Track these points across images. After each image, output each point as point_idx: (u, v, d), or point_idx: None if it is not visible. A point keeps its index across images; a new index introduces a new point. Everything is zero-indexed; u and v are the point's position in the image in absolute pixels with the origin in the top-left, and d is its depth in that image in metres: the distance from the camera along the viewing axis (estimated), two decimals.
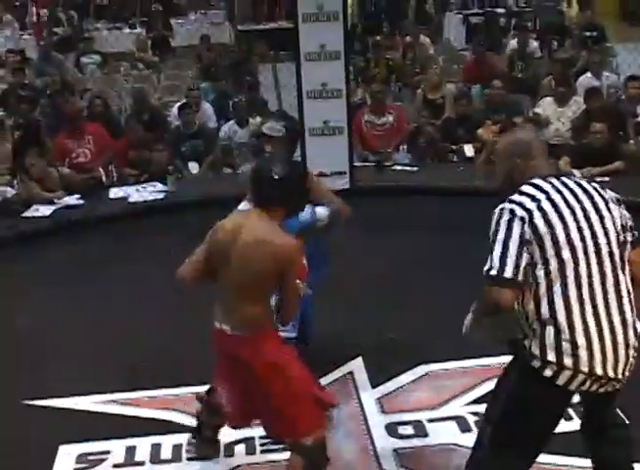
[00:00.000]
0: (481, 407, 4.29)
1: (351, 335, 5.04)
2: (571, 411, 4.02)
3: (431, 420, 4.23)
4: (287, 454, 3.82)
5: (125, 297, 5.85)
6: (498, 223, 3.01)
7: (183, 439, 4.14)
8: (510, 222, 2.97)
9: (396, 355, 4.82)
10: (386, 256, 5.59)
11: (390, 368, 4.69)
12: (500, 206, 3.02)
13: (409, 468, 3.88)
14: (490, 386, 4.44)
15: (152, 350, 4.99)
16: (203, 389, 3.98)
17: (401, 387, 4.57)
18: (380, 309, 5.37)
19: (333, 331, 4.99)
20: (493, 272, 2.99)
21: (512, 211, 2.99)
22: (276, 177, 3.37)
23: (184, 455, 4.07)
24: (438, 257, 6.23)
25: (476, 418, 4.17)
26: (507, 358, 4.59)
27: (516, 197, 3.01)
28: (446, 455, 3.95)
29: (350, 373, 4.68)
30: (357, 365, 4.72)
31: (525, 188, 3.03)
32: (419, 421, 4.22)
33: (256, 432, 4.09)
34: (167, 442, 4.19)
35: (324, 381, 4.55)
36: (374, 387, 4.56)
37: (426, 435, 4.12)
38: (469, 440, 3.98)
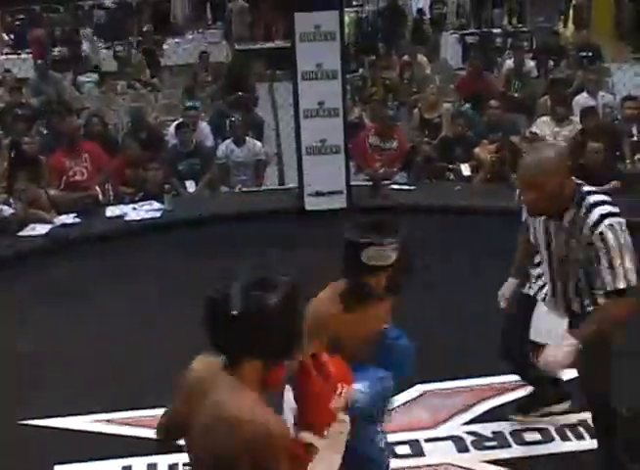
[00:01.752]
0: (478, 427, 4.37)
1: None
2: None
3: (427, 440, 4.21)
4: None
5: (124, 315, 5.83)
6: (615, 237, 3.25)
7: (179, 458, 4.11)
8: (623, 232, 3.28)
9: None
10: None
11: None
12: (607, 222, 3.25)
13: None
14: (488, 405, 4.52)
15: (151, 368, 4.98)
16: None
17: (398, 406, 4.49)
18: None
19: None
20: (622, 285, 3.26)
21: (620, 223, 3.28)
22: (234, 313, 2.17)
23: None
24: (436, 276, 6.22)
25: (472, 438, 4.18)
26: (505, 378, 4.65)
27: (608, 208, 3.30)
28: None
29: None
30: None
31: (599, 197, 3.36)
32: (416, 440, 4.20)
33: None
34: (163, 461, 4.18)
35: None
36: None
37: (422, 454, 4.10)
38: (465, 460, 4.04)
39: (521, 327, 4.15)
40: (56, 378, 5.00)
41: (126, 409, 4.55)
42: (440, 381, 4.69)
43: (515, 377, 4.61)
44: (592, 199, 3.33)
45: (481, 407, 4.44)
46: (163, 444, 2.61)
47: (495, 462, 4.02)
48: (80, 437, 4.37)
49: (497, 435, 4.20)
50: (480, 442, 4.17)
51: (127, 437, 4.37)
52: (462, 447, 4.12)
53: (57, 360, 5.25)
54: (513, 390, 4.55)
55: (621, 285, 3.23)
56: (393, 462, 4.07)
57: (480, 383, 4.67)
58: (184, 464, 4.10)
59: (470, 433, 4.24)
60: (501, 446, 4.11)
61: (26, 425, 4.49)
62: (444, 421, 4.37)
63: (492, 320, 5.40)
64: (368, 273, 2.90)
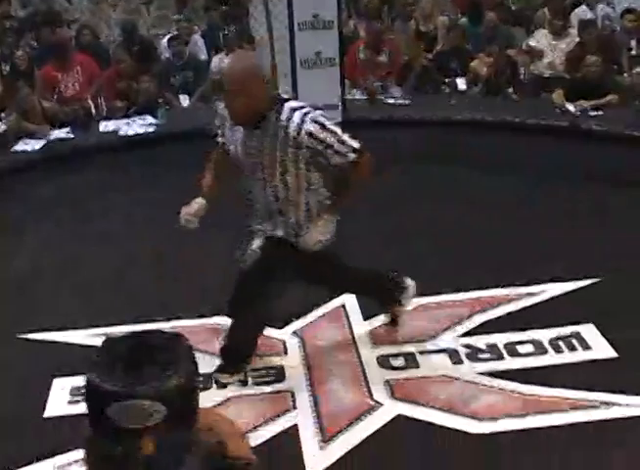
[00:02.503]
0: (472, 339, 4.42)
1: None
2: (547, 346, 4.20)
3: (422, 352, 4.26)
4: (279, 385, 4.00)
5: (119, 228, 5.85)
6: (325, 124, 3.52)
7: None
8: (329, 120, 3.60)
9: None
10: (379, 187, 5.57)
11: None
12: (310, 118, 3.50)
13: (400, 399, 3.92)
14: (482, 318, 4.56)
15: (148, 282, 5.03)
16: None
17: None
18: (373, 241, 5.40)
19: None
20: (357, 145, 3.59)
21: (324, 115, 3.61)
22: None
23: None
24: (432, 187, 6.23)
25: (467, 350, 4.23)
26: (500, 291, 4.70)
27: (308, 108, 3.57)
28: (437, 386, 4.00)
29: (343, 306, 4.70)
30: (349, 298, 4.74)
31: (298, 103, 3.64)
32: (410, 353, 4.26)
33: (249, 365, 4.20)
34: None
35: (316, 313, 4.64)
36: (366, 319, 4.58)
37: (417, 366, 4.15)
38: (459, 371, 4.09)
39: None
40: (54, 292, 5.04)
41: (124, 324, 4.58)
42: (434, 294, 4.72)
43: (509, 289, 4.71)
44: (291, 104, 3.56)
45: (475, 320, 4.48)
46: None
47: (489, 374, 4.07)
48: (79, 350, 4.39)
49: (491, 347, 4.24)
50: (474, 354, 4.21)
51: None
52: (456, 360, 4.17)
53: (54, 275, 5.29)
54: (507, 302, 4.61)
55: (355, 144, 3.58)
56: (389, 374, 4.19)
57: (473, 296, 4.72)
58: None
59: (464, 345, 4.28)
60: (495, 359, 4.16)
61: (25, 339, 4.52)
62: (439, 334, 4.42)
63: (484, 234, 5.48)
64: (121, 436, 1.65)
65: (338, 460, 3.57)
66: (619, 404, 3.72)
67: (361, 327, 4.51)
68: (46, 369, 4.31)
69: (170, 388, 1.66)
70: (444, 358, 4.21)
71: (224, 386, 4.07)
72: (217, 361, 4.14)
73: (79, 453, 3.72)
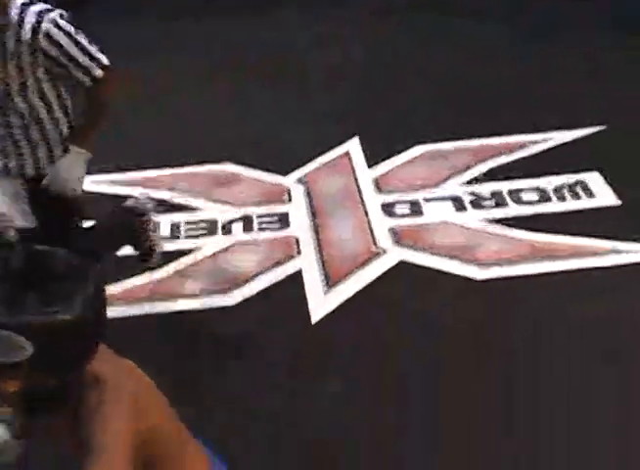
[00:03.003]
0: (477, 187, 4.47)
1: (348, 115, 5.05)
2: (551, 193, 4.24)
3: (426, 199, 4.32)
4: (284, 231, 4.09)
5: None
6: (70, 31, 3.00)
7: (181, 217, 4.29)
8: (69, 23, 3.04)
9: (393, 135, 4.84)
10: (375, 37, 5.56)
11: (387, 148, 4.73)
12: (49, 17, 2.95)
13: (404, 245, 3.99)
14: (487, 166, 4.60)
15: (151, 128, 5.03)
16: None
17: (398, 166, 4.63)
18: (375, 89, 5.37)
19: (330, 111, 5.03)
20: (106, 61, 3.08)
21: (63, 15, 3.03)
22: None
23: (182, 233, 4.21)
24: (428, 37, 6.15)
25: (471, 197, 4.27)
26: (503, 139, 4.71)
27: (46, 6, 3.01)
28: (441, 233, 4.06)
29: (347, 153, 4.73)
30: (354, 145, 4.76)
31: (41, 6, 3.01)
32: (415, 200, 4.32)
33: (254, 211, 4.29)
34: (165, 220, 4.28)
35: (320, 160, 4.68)
36: (370, 167, 4.62)
37: (421, 213, 4.21)
38: (463, 218, 4.16)
39: None
40: None
41: (126, 170, 4.65)
42: (440, 141, 4.74)
43: (513, 138, 4.72)
44: (32, 8, 2.97)
45: (479, 168, 4.51)
46: None
47: (494, 221, 4.13)
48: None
49: (495, 195, 4.29)
50: (478, 201, 4.26)
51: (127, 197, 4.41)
52: (460, 207, 4.22)
53: None
54: (511, 151, 4.62)
55: (104, 59, 3.09)
56: (393, 221, 4.28)
57: (477, 144, 4.73)
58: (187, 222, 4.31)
59: (468, 193, 4.32)
60: (499, 206, 4.22)
61: None
62: (443, 181, 4.46)
63: (481, 84, 5.43)
64: None
65: (341, 305, 3.69)
66: (623, 251, 3.79)
67: (366, 174, 4.54)
68: None
69: (48, 325, 1.44)
70: (448, 206, 4.26)
71: (229, 231, 4.14)
72: (222, 208, 4.22)
73: None
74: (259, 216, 4.26)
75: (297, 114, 5.06)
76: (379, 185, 4.45)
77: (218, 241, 4.12)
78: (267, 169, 4.64)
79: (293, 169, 4.57)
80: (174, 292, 3.92)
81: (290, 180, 4.57)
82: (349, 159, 4.68)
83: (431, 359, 3.46)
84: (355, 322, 3.66)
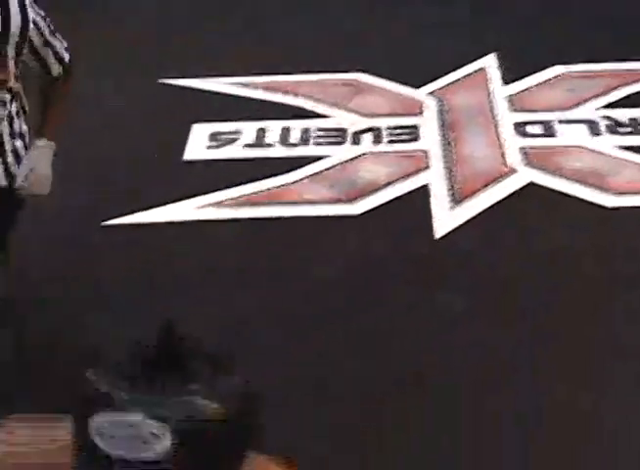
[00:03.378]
0: (615, 112, 4.48)
1: (487, 29, 5.07)
2: None
3: (561, 121, 4.36)
4: (414, 145, 4.21)
5: None
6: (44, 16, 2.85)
7: (312, 124, 4.45)
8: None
9: (531, 54, 4.88)
10: None
11: (524, 66, 4.78)
12: None
13: (534, 166, 4.08)
14: (627, 90, 4.61)
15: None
16: None
17: (534, 86, 4.69)
18: (519, 6, 5.35)
19: (469, 24, 5.08)
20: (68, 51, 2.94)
21: None
22: None
23: (312, 140, 4.37)
24: None
25: (607, 122, 4.29)
26: None
27: None
28: (574, 157, 4.12)
29: (483, 69, 4.80)
30: (491, 61, 4.83)
31: None
32: (548, 121, 4.37)
33: (384, 122, 4.43)
34: (297, 126, 4.47)
35: (455, 75, 4.76)
36: (506, 84, 4.70)
37: (554, 135, 4.27)
38: (598, 143, 4.19)
39: None
40: (197, 40, 5.20)
41: (264, 74, 4.81)
42: (580, 63, 4.75)
43: None
44: None
45: (620, 92, 4.54)
46: None
47: (630, 149, 4.15)
48: (218, 98, 4.68)
49: (633, 121, 4.30)
50: (614, 126, 4.28)
51: (264, 101, 4.65)
52: (596, 131, 4.25)
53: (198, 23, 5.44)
54: None
55: (66, 58, 2.92)
56: (524, 141, 4.32)
57: (620, 67, 4.71)
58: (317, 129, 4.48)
59: (605, 117, 4.35)
60: (637, 133, 4.23)
61: (166, 84, 4.77)
62: (580, 104, 4.49)
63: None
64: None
65: (466, 222, 3.82)
66: None
67: (500, 92, 4.63)
68: (186, 115, 4.59)
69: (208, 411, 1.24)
70: (583, 129, 4.29)
71: (357, 142, 4.29)
72: (352, 118, 4.36)
73: (216, 195, 4.20)
74: (389, 128, 4.41)
75: (434, 26, 5.12)
76: (513, 103, 4.54)
77: (347, 150, 4.30)
78: (400, 82, 4.75)
79: (426, 83, 4.67)
80: (299, 198, 4.13)
81: (422, 93, 4.69)
82: (485, 75, 4.78)
83: (552, 284, 3.53)
84: (479, 240, 3.80)
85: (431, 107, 4.63)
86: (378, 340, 3.47)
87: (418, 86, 4.73)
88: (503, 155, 4.20)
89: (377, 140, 4.39)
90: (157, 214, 4.16)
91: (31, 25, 2.80)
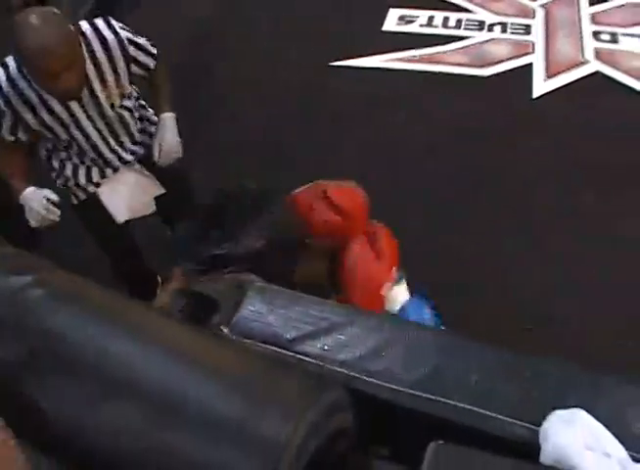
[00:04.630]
0: None
1: None
2: None
3: (624, 34, 5.12)
4: (526, 36, 5.03)
5: None
6: (125, 27, 2.99)
7: (464, 16, 5.41)
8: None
9: None
10: None
11: None
12: (114, 24, 2.92)
13: (600, 61, 4.84)
14: None
15: None
16: None
17: (609, 8, 5.47)
18: None
19: None
20: (154, 50, 3.09)
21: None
22: None
23: (462, 26, 5.32)
24: None
25: None
26: None
27: (101, 20, 2.94)
28: (629, 58, 4.85)
29: None
30: None
31: (84, 25, 2.95)
32: (615, 32, 5.18)
33: (509, 19, 5.34)
34: (454, 16, 5.43)
35: None
36: (591, 5, 5.54)
37: (617, 42, 5.04)
38: None
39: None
40: None
41: None
42: None
43: None
44: (85, 26, 2.86)
45: None
46: None
47: None
48: None
49: None
50: None
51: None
52: None
53: None
54: None
55: (155, 51, 3.08)
56: (598, 44, 4.98)
57: None
58: (467, 19, 5.41)
59: None
60: None
61: None
62: (639, 23, 5.15)
63: None
64: None
65: (554, 90, 4.77)
66: None
67: (586, 10, 5.48)
68: (386, 1, 5.58)
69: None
70: (638, 41, 4.98)
71: (491, 30, 5.15)
72: (489, 14, 5.32)
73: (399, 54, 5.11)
74: (512, 24, 5.33)
75: None
76: (594, 19, 5.37)
77: (483, 35, 5.28)
78: None
79: None
80: (442, 60, 5.08)
81: (536, 4, 5.63)
82: None
83: (619, 137, 4.24)
84: (562, 102, 4.62)
85: (540, 13, 5.50)
86: (476, 165, 4.17)
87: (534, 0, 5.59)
88: (581, 51, 5.02)
89: (503, 30, 5.30)
90: (362, 62, 5.15)
91: (125, 41, 2.87)
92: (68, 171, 3.15)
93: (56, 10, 2.59)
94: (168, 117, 3.10)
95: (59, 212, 2.93)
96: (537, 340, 3.27)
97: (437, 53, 5.27)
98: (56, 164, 3.16)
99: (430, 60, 5.19)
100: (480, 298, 3.51)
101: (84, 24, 2.81)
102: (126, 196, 3.20)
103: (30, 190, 2.93)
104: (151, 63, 3.02)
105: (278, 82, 5.01)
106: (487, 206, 4.10)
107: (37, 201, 2.90)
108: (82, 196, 3.21)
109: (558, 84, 4.85)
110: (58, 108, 2.85)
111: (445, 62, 5.16)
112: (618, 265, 3.69)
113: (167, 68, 3.13)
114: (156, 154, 3.10)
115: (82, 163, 3.12)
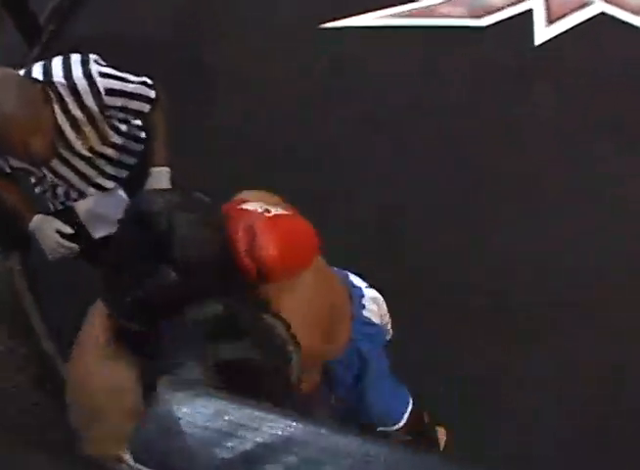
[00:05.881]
0: None
1: None
2: None
3: None
4: None
5: None
6: (115, 74, 2.88)
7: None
8: (97, 63, 2.86)
9: None
10: None
11: None
12: (95, 69, 2.77)
13: (608, 2, 4.73)
14: None
15: None
16: None
17: None
18: None
19: None
20: (149, 80, 2.98)
21: (96, 60, 2.84)
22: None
23: None
24: None
25: None
26: None
27: (76, 57, 2.82)
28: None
29: None
30: None
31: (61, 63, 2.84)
32: None
33: None
34: None
35: None
36: None
37: None
38: None
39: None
40: None
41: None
42: None
43: None
44: (73, 68, 2.74)
45: None
46: None
47: None
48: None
49: None
50: None
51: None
52: None
53: None
54: None
55: (148, 80, 2.96)
56: None
57: None
58: None
59: None
60: None
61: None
62: None
63: None
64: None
65: (557, 35, 4.69)
66: None
67: None
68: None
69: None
70: None
71: None
72: None
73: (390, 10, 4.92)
74: None
75: None
76: None
77: None
78: None
79: None
80: (436, 13, 4.94)
81: None
82: None
83: (621, 82, 4.24)
84: (565, 48, 4.57)
85: None
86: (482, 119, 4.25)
87: None
88: None
89: None
90: (356, 21, 4.99)
91: (102, 94, 2.76)
92: (47, 186, 3.12)
93: (14, 71, 2.54)
94: (158, 173, 2.95)
95: (75, 246, 2.93)
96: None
97: (431, 5, 5.14)
98: (33, 178, 3.11)
99: (423, 14, 5.08)
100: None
101: (57, 74, 2.68)
102: (104, 215, 3.08)
103: (38, 219, 2.91)
104: (144, 107, 2.93)
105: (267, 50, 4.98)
106: (490, 160, 4.20)
107: (48, 237, 2.89)
108: (59, 207, 3.17)
109: (561, 29, 4.78)
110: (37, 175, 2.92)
111: (440, 14, 5.05)
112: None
113: (165, 109, 3.01)
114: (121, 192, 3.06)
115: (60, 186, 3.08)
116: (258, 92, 4.78)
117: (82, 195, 3.10)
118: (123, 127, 2.99)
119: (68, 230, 2.92)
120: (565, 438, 3.44)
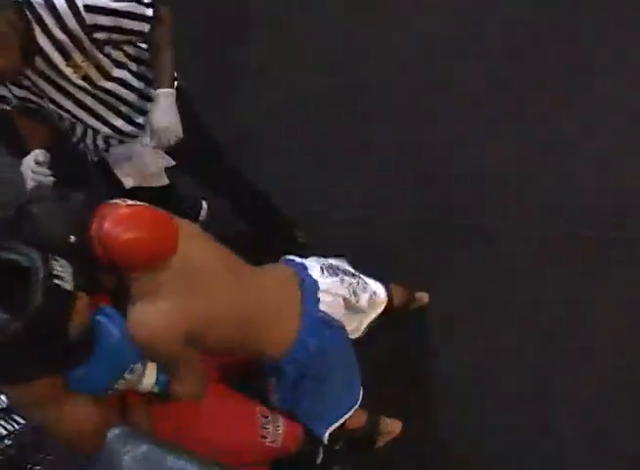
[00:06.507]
0: None
1: None
2: None
3: None
4: None
5: None
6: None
7: None
8: None
9: None
10: None
11: None
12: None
13: None
14: None
15: None
16: None
17: None
18: None
19: None
20: (149, 12, 2.84)
21: None
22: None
23: None
24: None
25: None
26: None
27: None
28: None
29: None
30: None
31: None
32: None
33: None
34: None
35: None
36: None
37: None
38: None
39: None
40: None
41: None
42: None
43: None
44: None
45: None
46: None
47: None
48: None
49: None
50: None
51: None
52: None
53: None
54: None
55: (148, 12, 2.82)
56: None
57: None
58: None
59: None
60: None
61: None
62: None
63: None
64: None
65: None
66: None
67: None
68: None
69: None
70: None
71: None
72: None
73: None
74: None
75: None
76: None
77: None
78: None
79: None
80: None
81: None
82: None
83: None
84: None
85: None
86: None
87: None
88: None
89: None
90: None
91: (83, 13, 2.65)
92: (79, 132, 3.13)
93: None
94: (162, 95, 2.88)
95: (48, 172, 2.94)
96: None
97: None
98: (67, 123, 3.10)
99: None
100: None
101: None
102: (132, 164, 3.14)
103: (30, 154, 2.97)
104: (143, 27, 2.81)
105: None
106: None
107: (25, 162, 2.94)
108: (95, 158, 3.21)
109: None
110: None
111: None
112: None
113: (171, 28, 2.90)
114: (146, 137, 2.99)
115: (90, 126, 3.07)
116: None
117: (108, 142, 3.12)
118: (122, 59, 2.91)
119: (41, 158, 2.95)
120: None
